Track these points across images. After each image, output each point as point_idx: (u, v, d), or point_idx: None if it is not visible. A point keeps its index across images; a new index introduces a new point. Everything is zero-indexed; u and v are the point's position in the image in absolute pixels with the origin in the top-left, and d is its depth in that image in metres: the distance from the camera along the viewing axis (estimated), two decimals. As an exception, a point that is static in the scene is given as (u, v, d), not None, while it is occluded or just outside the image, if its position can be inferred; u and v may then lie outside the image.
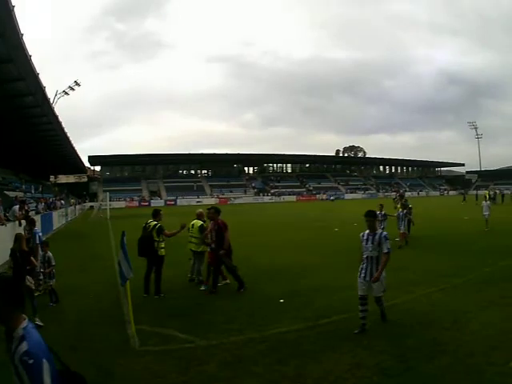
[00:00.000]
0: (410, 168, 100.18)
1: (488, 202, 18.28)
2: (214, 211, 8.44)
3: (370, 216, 6.00)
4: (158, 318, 6.60)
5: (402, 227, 13.87)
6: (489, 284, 8.27)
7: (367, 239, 5.98)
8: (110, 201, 40.96)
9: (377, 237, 5.89)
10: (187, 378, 4.53)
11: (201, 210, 9.53)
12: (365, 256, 5.96)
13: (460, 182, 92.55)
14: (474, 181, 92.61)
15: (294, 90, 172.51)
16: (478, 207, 31.04)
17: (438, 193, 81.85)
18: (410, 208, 15.68)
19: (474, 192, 56.39)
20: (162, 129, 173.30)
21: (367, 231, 6.01)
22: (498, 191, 48.64)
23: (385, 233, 5.97)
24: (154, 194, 67.06)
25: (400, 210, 14.34)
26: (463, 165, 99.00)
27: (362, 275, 5.88)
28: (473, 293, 7.66)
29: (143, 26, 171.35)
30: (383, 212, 13.82)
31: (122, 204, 58.04)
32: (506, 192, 51.37)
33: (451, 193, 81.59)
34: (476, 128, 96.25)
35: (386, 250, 5.80)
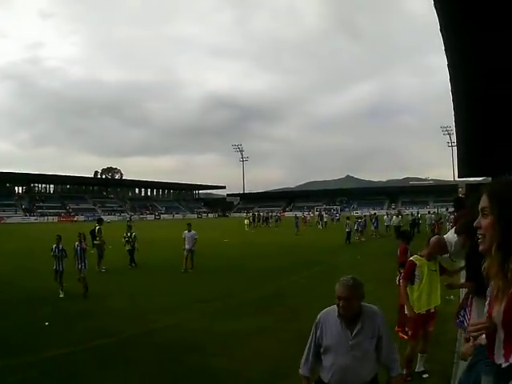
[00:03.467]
0: (166, 190, 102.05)
1: (192, 232, 13.78)
2: None
3: None
4: None
5: (83, 267, 10.08)
6: (259, 308, 8.05)
7: None
8: None
9: None
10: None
11: None
12: None
13: (220, 204, 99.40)
14: (235, 203, 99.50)
15: (64, 110, 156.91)
16: (246, 231, 32.59)
17: (195, 215, 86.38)
18: (135, 236, 14.67)
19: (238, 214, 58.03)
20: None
21: None
22: (262, 214, 50.63)
23: None
24: None
25: (78, 243, 10.36)
26: (224, 187, 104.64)
27: None
28: (241, 317, 7.35)
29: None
30: (61, 246, 10.15)
31: None
32: (273, 214, 51.92)
33: (210, 215, 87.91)
34: (241, 151, 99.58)
35: None
